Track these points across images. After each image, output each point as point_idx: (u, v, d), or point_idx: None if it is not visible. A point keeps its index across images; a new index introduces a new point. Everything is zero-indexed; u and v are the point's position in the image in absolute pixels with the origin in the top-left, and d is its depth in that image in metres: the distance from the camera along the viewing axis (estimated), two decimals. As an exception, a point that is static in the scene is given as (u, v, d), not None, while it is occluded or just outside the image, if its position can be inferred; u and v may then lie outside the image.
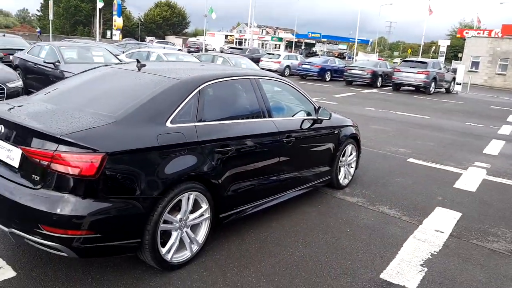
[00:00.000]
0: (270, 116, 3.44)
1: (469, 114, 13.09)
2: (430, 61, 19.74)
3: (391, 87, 19.83)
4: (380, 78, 20.10)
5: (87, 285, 2.51)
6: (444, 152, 7.16)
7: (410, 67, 18.49)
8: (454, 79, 20.62)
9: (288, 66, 22.23)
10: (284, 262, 2.95)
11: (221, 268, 2.81)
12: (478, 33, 35.58)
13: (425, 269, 3.02)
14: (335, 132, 4.32)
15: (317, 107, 4.02)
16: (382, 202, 4.38)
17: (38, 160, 2.30)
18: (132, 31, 65.52)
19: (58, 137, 2.25)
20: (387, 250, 3.28)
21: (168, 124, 2.64)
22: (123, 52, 14.45)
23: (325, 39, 65.97)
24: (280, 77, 4.04)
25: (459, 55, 53.11)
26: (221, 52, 27.18)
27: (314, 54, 47.18)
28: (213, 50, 41.63)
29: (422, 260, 3.16)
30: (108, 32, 49.07)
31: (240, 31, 71.66)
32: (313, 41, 67.16)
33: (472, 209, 4.37)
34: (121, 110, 2.57)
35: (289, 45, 63.38)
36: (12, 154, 2.46)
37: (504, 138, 9.00)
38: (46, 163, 2.26)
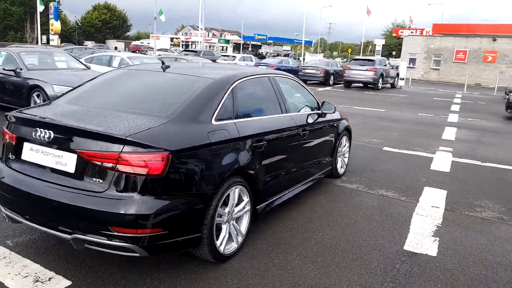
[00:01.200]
0: (287, 112, 3.67)
1: (418, 105, 14.35)
2: (377, 58, 21.28)
3: (342, 85, 21.00)
4: (332, 77, 21.20)
5: (148, 284, 2.55)
6: (409, 140, 7.89)
7: (360, 65, 19.73)
8: (397, 74, 22.38)
9: (244, 67, 22.51)
10: (320, 244, 3.21)
11: (266, 255, 2.99)
12: (412, 32, 38.82)
13: (437, 238, 3.45)
14: (335, 125, 4.66)
15: (320, 102, 4.32)
16: (378, 186, 4.81)
17: (100, 163, 2.30)
18: (69, 35, 61.64)
19: (124, 138, 2.26)
20: (399, 226, 3.67)
21: (213, 121, 2.76)
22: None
23: (271, 41, 67.58)
24: (288, 74, 4.28)
25: (393, 53, 57.35)
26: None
27: (262, 56, 48.00)
28: (160, 54, 40.54)
29: (432, 232, 3.59)
30: (44, 37, 45.64)
31: (186, 33, 70.67)
32: (259, 43, 68.40)
33: (454, 186, 4.97)
34: (170, 109, 2.64)
35: (236, 47, 63.82)
36: (64, 160, 2.42)
37: (455, 125, 10.09)
38: (111, 165, 2.28)
